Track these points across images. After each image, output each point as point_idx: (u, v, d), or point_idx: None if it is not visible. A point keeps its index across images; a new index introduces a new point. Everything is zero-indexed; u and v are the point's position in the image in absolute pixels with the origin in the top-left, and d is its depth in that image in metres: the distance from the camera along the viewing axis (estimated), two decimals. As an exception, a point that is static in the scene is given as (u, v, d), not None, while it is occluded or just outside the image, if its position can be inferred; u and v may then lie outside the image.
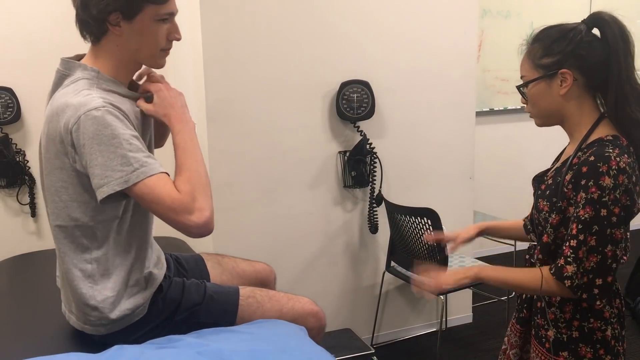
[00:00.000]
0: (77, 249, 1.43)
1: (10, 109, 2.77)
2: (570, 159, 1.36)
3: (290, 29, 2.49)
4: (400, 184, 2.81)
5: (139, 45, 1.45)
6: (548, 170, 1.53)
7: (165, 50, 1.51)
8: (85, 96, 1.36)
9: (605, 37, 1.35)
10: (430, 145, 2.87)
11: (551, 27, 1.39)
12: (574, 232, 1.29)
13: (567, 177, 1.34)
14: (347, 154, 2.67)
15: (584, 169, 1.29)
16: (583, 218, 1.28)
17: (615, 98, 1.34)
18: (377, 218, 2.75)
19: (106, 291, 1.43)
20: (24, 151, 2.85)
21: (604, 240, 1.27)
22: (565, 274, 1.29)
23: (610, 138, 1.34)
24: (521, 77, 1.42)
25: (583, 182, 1.29)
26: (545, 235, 1.38)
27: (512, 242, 3.34)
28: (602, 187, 1.27)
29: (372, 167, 2.70)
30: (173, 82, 3.18)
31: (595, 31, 1.37)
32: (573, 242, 1.29)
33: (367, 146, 2.66)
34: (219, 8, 2.36)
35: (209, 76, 2.39)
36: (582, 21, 1.38)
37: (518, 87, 1.43)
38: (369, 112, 2.63)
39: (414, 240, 2.56)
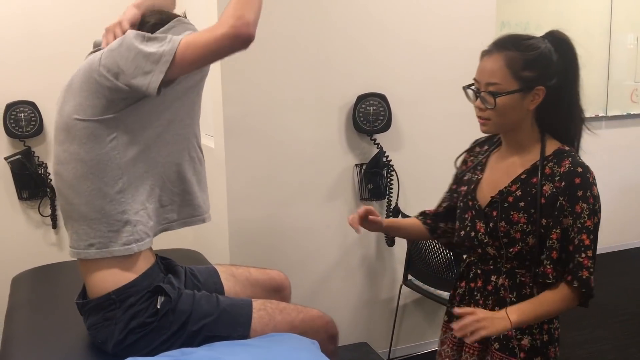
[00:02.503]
0: None
1: (33, 123, 2.82)
2: (540, 169, 1.41)
3: (307, 43, 2.51)
4: (417, 197, 2.80)
5: None
6: (463, 174, 1.61)
7: None
8: None
9: (564, 59, 1.41)
10: (448, 158, 2.84)
11: (524, 38, 1.40)
12: (587, 242, 1.37)
13: (546, 188, 1.40)
14: (364, 166, 2.67)
15: (577, 180, 1.37)
16: (592, 228, 1.37)
17: (567, 118, 1.44)
18: (394, 231, 2.75)
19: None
20: (45, 164, 2.90)
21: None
22: (592, 285, 1.36)
23: (568, 148, 1.44)
24: (490, 84, 1.38)
25: (580, 193, 1.36)
26: (554, 252, 1.39)
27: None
28: (594, 196, 1.38)
29: (388, 179, 2.70)
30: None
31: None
32: (590, 253, 1.36)
33: (384, 159, 2.66)
34: (236, 23, 2.39)
35: (226, 89, 2.42)
36: (544, 38, 1.42)
37: (489, 93, 1.39)
38: (386, 125, 2.63)
39: (431, 253, 2.54)
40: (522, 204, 1.42)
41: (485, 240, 1.49)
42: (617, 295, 3.57)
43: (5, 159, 2.82)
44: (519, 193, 1.44)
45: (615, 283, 3.75)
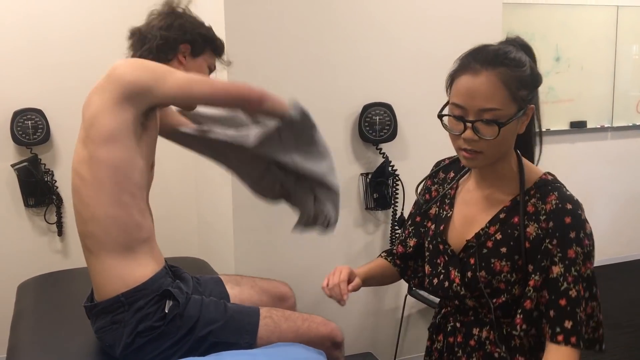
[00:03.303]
0: None
1: (40, 130, 2.83)
2: (522, 206, 1.21)
3: (313, 52, 2.52)
4: (422, 207, 2.80)
5: None
6: (428, 206, 1.40)
7: None
8: None
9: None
10: (453, 168, 2.85)
11: (506, 52, 1.18)
12: (583, 293, 1.15)
13: (530, 230, 1.20)
14: (369, 176, 2.67)
15: (568, 220, 1.16)
16: (590, 275, 1.17)
17: (534, 134, 1.29)
18: (399, 240, 2.74)
19: None
20: (52, 171, 2.91)
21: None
22: (602, 340, 1.19)
23: (552, 177, 1.25)
24: (487, 110, 1.14)
25: (573, 235, 1.16)
26: (528, 301, 1.20)
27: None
28: (588, 235, 1.17)
29: (394, 189, 2.70)
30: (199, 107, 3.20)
31: None
32: (594, 303, 1.17)
33: (389, 168, 2.66)
34: (243, 31, 2.40)
35: (233, 99, 2.42)
36: (508, 43, 1.23)
37: (488, 122, 1.14)
38: (391, 135, 2.63)
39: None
40: (503, 249, 1.22)
41: (462, 293, 1.28)
42: (623, 308, 3.55)
43: (12, 166, 2.83)
44: (498, 236, 1.23)
45: (621, 295, 3.73)
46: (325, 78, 2.55)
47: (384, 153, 2.66)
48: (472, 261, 1.25)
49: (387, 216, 2.76)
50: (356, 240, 2.73)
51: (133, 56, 1.68)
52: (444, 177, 1.43)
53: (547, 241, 1.17)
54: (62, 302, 1.96)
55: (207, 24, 1.77)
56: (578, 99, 3.99)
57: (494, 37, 2.81)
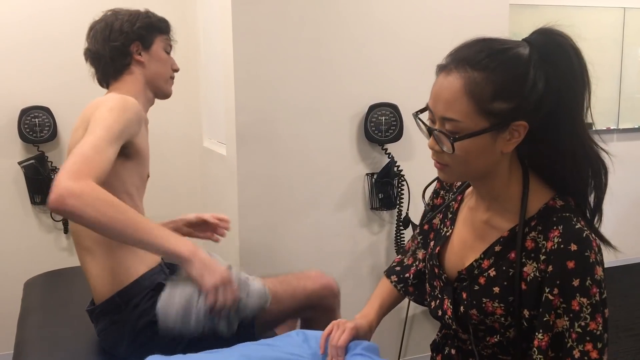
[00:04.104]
0: None
1: (47, 128, 2.85)
2: (520, 240, 1.01)
3: (320, 51, 2.52)
4: (427, 207, 2.80)
5: (158, 69, 1.71)
6: (433, 215, 1.23)
7: (172, 78, 1.78)
8: None
9: (557, 73, 0.98)
10: (459, 169, 2.85)
11: (496, 47, 0.99)
12: (595, 355, 0.96)
13: (527, 269, 1.01)
14: (375, 176, 2.67)
15: (571, 265, 0.96)
16: (598, 332, 0.96)
17: (563, 163, 1.02)
18: (404, 241, 2.74)
19: None
20: (59, 169, 2.92)
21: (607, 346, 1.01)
22: None
23: (561, 203, 1.03)
24: (446, 119, 0.98)
25: (577, 283, 0.95)
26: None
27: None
28: (598, 282, 0.97)
29: (399, 189, 2.70)
30: (205, 103, 3.24)
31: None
32: None
33: (395, 168, 2.66)
34: (250, 31, 2.40)
35: (239, 97, 2.43)
36: (527, 41, 1.01)
37: (443, 134, 0.99)
38: (397, 135, 2.63)
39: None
40: (496, 289, 1.04)
41: (454, 327, 1.14)
42: (630, 310, 3.54)
43: (19, 163, 2.85)
44: (492, 273, 1.05)
45: (628, 297, 3.72)
46: (330, 78, 2.55)
47: (389, 153, 2.66)
48: (464, 295, 1.10)
49: (392, 216, 2.76)
50: (361, 240, 2.73)
51: (96, 75, 1.74)
52: (451, 184, 1.27)
53: (547, 290, 0.98)
54: (68, 299, 1.97)
55: (142, 9, 1.76)
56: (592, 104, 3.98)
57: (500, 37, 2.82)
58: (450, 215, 1.20)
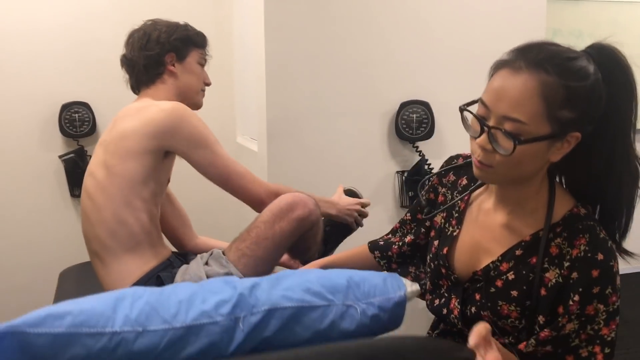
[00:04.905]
0: None
1: (87, 123, 2.93)
2: (543, 243, 1.01)
3: (351, 49, 2.52)
4: (459, 206, 2.77)
5: (189, 81, 1.77)
6: (433, 213, 1.20)
7: (204, 91, 1.84)
8: None
9: (618, 91, 0.98)
10: (492, 167, 2.81)
11: (569, 55, 0.96)
12: (600, 358, 0.99)
13: (549, 275, 1.00)
14: (405, 174, 2.66)
15: (595, 274, 0.97)
16: (609, 338, 0.99)
17: (599, 183, 1.02)
18: (434, 239, 2.72)
19: None
20: (97, 163, 3.01)
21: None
22: None
23: (584, 211, 1.03)
24: (510, 119, 0.95)
25: (597, 290, 0.97)
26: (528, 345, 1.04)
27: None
28: (617, 290, 0.99)
29: (430, 187, 2.68)
30: (238, 100, 3.26)
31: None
32: None
33: (426, 166, 2.64)
34: (282, 29, 2.42)
35: (270, 94, 2.45)
36: (587, 54, 0.99)
37: (507, 134, 0.95)
38: (429, 133, 2.61)
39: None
40: (514, 293, 1.03)
41: (459, 326, 1.13)
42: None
43: (60, 157, 2.94)
44: (511, 276, 1.04)
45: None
46: (362, 76, 2.55)
47: (420, 151, 2.65)
48: (477, 297, 1.09)
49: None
50: (391, 237, 2.72)
51: (130, 81, 1.81)
52: (454, 180, 1.23)
53: (570, 295, 0.98)
54: (100, 289, 2.02)
55: (181, 22, 1.83)
56: (627, 98, 3.86)
57: (537, 34, 2.76)
58: (456, 215, 1.18)
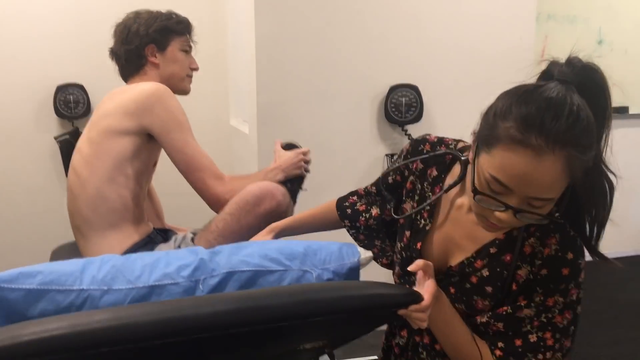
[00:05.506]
0: None
1: (81, 104, 2.97)
2: (519, 245, 1.03)
3: (341, 33, 2.54)
4: (447, 189, 2.81)
5: (173, 70, 1.80)
6: (402, 199, 1.20)
7: (190, 77, 1.86)
8: None
9: (591, 107, 0.93)
10: (481, 151, 2.84)
11: (574, 116, 0.90)
12: (550, 342, 1.03)
13: (521, 273, 1.04)
14: (394, 157, 2.69)
15: (565, 272, 1.01)
16: (562, 326, 1.03)
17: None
18: (422, 222, 2.76)
19: None
20: (92, 144, 3.05)
21: (573, 337, 1.07)
22: None
23: (555, 209, 1.01)
24: (540, 199, 0.92)
25: (563, 286, 1.02)
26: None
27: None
28: (579, 284, 1.03)
29: (419, 171, 2.71)
30: (232, 83, 3.28)
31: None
32: (549, 354, 1.04)
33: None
34: (272, 13, 2.45)
35: (260, 78, 2.48)
36: (559, 81, 0.94)
37: (543, 216, 0.95)
38: (417, 116, 2.64)
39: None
40: (489, 289, 1.07)
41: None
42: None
43: (55, 138, 2.98)
44: (485, 273, 1.07)
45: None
46: (351, 60, 2.57)
47: (409, 134, 2.68)
48: (452, 290, 1.12)
49: (412, 197, 2.78)
50: (380, 220, 2.76)
51: (122, 74, 1.85)
52: (422, 169, 1.20)
53: (537, 289, 1.03)
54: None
55: (164, 10, 1.84)
56: (620, 83, 3.86)
57: (526, 20, 2.78)
58: (427, 208, 1.17)
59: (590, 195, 0.98)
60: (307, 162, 1.82)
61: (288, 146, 1.86)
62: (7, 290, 0.97)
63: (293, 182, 1.85)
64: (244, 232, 1.60)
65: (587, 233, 1.02)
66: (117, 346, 0.84)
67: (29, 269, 1.01)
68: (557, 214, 0.97)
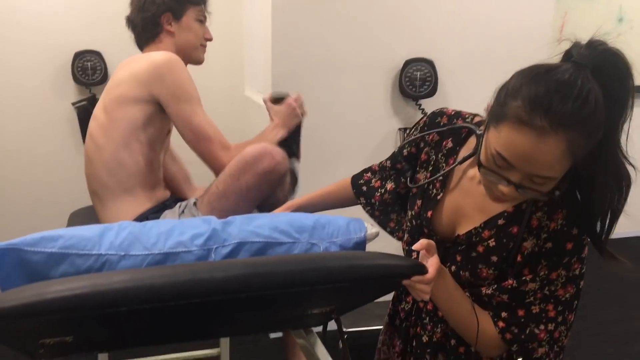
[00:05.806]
0: None
1: (99, 71, 3.00)
2: (526, 218, 1.06)
3: (358, 5, 2.54)
4: (459, 164, 2.82)
5: (187, 39, 1.82)
6: (415, 169, 1.23)
7: (204, 46, 1.88)
8: None
9: (607, 99, 0.93)
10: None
11: (580, 100, 0.90)
12: (552, 314, 1.07)
13: (527, 244, 1.07)
14: (407, 131, 2.70)
15: (569, 246, 1.05)
16: (564, 299, 1.07)
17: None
18: (433, 196, 2.79)
19: None
20: (108, 111, 3.09)
21: (576, 311, 1.10)
22: (535, 356, 1.09)
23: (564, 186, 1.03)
24: (542, 177, 0.95)
25: (566, 260, 1.05)
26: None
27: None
28: (582, 259, 1.07)
29: (431, 145, 2.73)
30: (247, 53, 3.29)
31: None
32: (551, 326, 1.08)
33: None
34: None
35: (276, 49, 2.49)
36: (574, 63, 0.93)
37: (542, 192, 0.98)
38: (432, 91, 2.65)
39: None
40: (494, 258, 1.10)
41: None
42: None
43: (73, 104, 3.02)
44: (492, 243, 1.10)
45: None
46: (367, 33, 2.57)
47: (423, 109, 2.69)
48: (458, 258, 1.15)
49: (423, 172, 2.80)
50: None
51: (137, 42, 1.87)
52: (438, 141, 1.22)
53: (542, 262, 1.06)
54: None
55: None
56: None
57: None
58: (441, 179, 1.20)
59: (604, 188, 0.98)
60: (301, 108, 1.84)
61: (277, 99, 1.86)
62: (30, 253, 1.02)
63: (292, 132, 1.88)
64: (244, 191, 1.64)
65: (598, 229, 1.02)
66: (135, 306, 0.88)
67: (51, 233, 1.06)
68: (557, 193, 0.99)
